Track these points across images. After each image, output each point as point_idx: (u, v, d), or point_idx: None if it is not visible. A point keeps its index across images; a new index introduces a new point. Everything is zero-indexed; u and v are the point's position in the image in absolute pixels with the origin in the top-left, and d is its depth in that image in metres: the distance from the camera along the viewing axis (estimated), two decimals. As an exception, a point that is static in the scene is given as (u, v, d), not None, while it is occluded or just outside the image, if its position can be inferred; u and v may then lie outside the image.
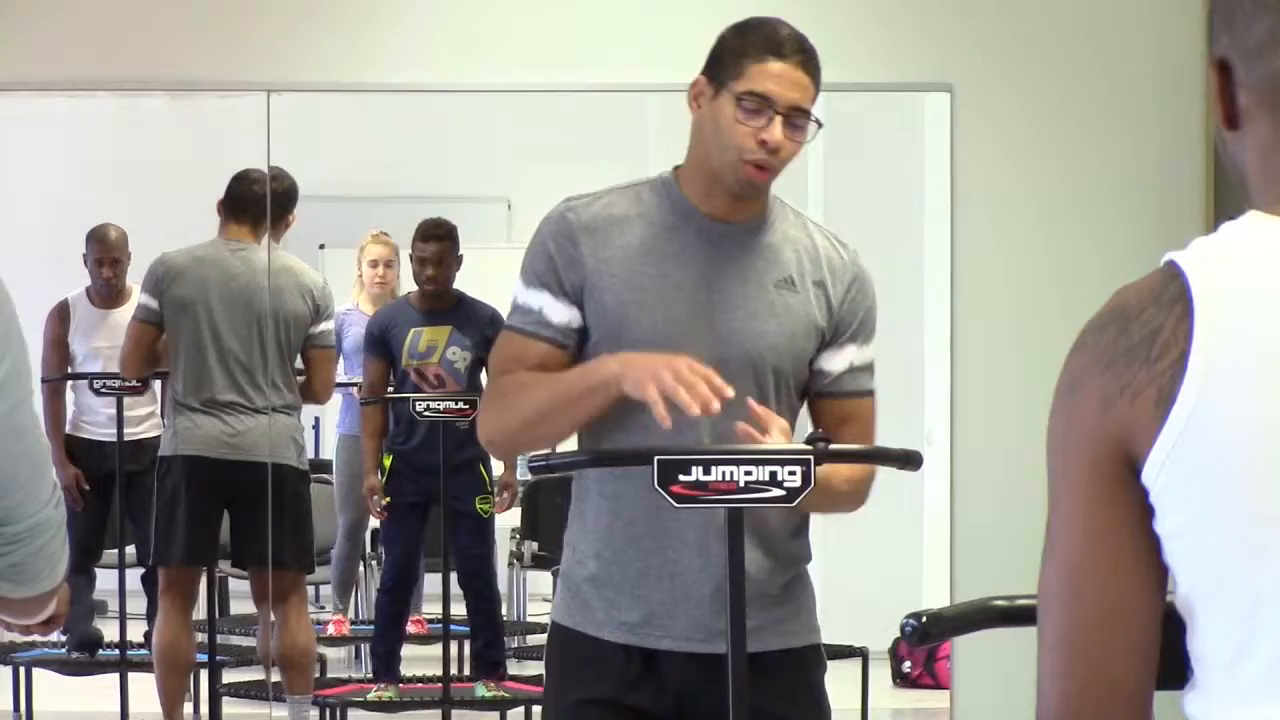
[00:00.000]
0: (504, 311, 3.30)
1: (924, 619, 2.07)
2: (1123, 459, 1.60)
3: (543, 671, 3.35)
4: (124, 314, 6.78)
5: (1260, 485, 1.55)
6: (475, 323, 6.90)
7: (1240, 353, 1.55)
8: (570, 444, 3.28)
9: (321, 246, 7.84)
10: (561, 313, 3.17)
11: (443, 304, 7.00)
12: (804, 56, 3.15)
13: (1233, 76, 1.66)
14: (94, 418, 7.02)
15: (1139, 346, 1.58)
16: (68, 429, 7.04)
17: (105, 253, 7.04)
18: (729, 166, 3.15)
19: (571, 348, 3.18)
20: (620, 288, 3.15)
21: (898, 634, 2.16)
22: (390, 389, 7.02)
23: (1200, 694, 1.61)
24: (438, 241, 6.96)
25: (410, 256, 7.05)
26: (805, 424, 3.27)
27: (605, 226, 3.18)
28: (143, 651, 6.78)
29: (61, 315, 7.04)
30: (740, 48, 3.16)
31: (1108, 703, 1.62)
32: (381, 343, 7.02)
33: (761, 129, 3.12)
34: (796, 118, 3.14)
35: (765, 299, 3.18)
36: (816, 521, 3.31)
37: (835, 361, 3.23)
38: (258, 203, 6.55)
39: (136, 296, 6.63)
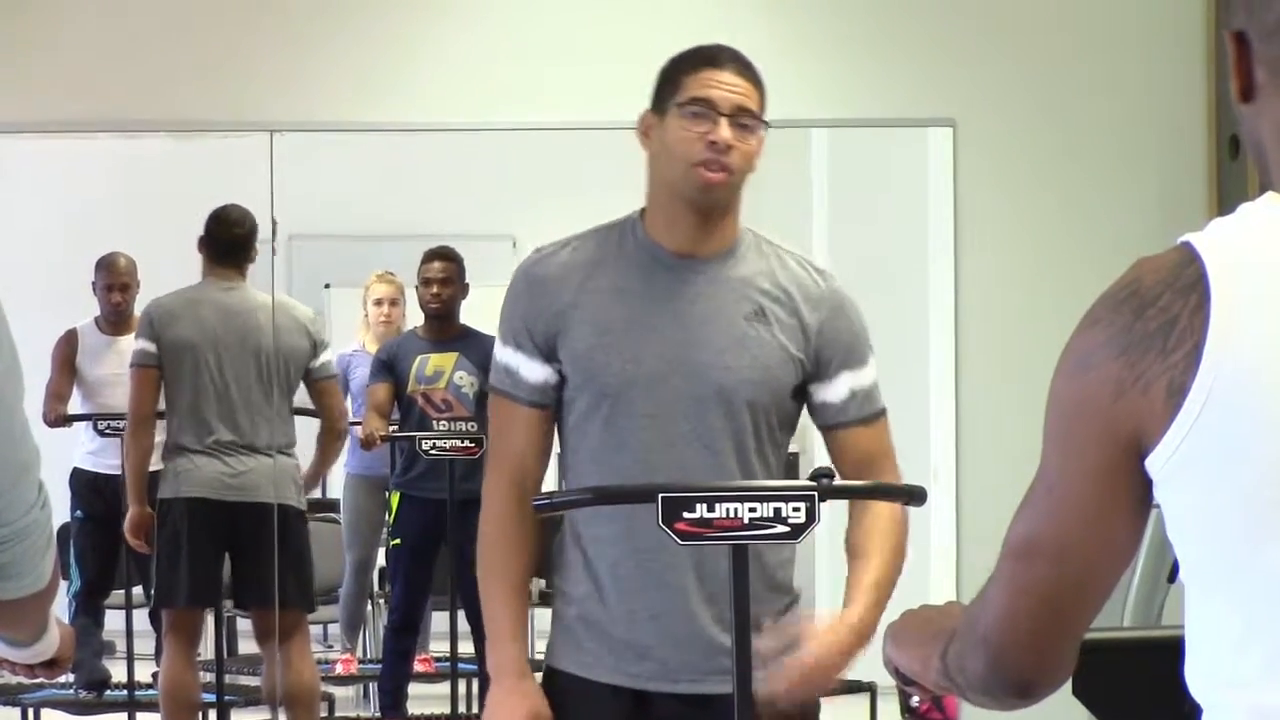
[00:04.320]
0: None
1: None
2: (1130, 447, 1.62)
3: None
4: (131, 341, 6.78)
5: (1269, 475, 1.56)
6: (482, 351, 6.91)
7: (1254, 344, 1.55)
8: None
9: (327, 286, 7.85)
10: (537, 372, 3.18)
11: (449, 333, 7.04)
12: (739, 65, 3.14)
13: (1249, 50, 1.66)
14: (100, 451, 7.02)
15: (1154, 336, 1.59)
16: (74, 462, 7.04)
17: (114, 278, 7.12)
18: (684, 177, 3.11)
19: (551, 405, 3.20)
20: (589, 332, 3.15)
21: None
22: (394, 427, 7.02)
23: (1204, 672, 1.62)
24: (442, 260, 7.01)
25: (416, 285, 7.07)
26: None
27: (572, 273, 3.17)
28: (151, 692, 6.77)
29: (69, 342, 7.07)
30: (676, 69, 3.16)
31: (1068, 653, 1.74)
32: (389, 368, 7.03)
33: (708, 131, 3.09)
34: (742, 118, 3.11)
35: (736, 333, 3.15)
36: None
37: (834, 392, 3.20)
38: (241, 245, 6.51)
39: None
